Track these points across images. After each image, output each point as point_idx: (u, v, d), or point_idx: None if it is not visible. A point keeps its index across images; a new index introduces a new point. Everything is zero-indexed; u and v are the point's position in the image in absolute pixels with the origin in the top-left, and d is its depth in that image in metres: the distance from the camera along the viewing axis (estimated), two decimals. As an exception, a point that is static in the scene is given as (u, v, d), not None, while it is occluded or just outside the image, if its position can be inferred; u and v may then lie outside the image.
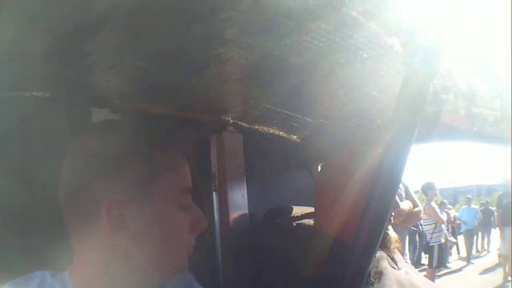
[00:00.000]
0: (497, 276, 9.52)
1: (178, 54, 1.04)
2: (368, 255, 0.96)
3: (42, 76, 1.07)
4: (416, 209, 3.85)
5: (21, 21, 0.83)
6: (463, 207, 14.27)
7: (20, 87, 1.13)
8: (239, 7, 0.86)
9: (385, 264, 1.39)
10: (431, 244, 8.15)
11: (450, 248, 11.58)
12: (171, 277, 1.03)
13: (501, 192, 10.21)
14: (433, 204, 7.91)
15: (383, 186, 0.92)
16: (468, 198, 14.94)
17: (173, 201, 0.94)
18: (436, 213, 7.82)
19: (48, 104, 1.16)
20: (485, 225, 14.44)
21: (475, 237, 14.27)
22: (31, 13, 0.80)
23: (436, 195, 8.26)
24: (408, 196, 3.84)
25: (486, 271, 10.71)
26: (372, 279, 1.30)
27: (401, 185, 3.63)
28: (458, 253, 13.33)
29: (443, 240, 8.36)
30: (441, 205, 12.27)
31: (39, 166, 1.03)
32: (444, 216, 9.20)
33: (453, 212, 13.07)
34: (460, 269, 11.46)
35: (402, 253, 4.50)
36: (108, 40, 0.94)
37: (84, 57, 1.01)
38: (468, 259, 12.53)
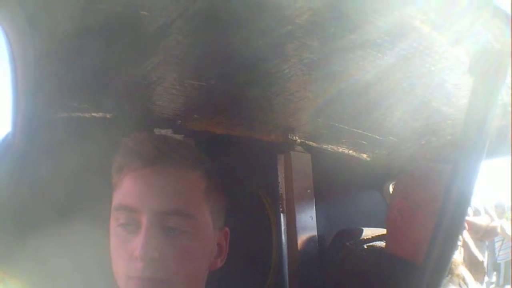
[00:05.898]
0: None
1: (240, 72, 1.05)
2: (438, 277, 0.91)
3: (102, 97, 1.10)
4: (493, 223, 3.84)
5: (80, 44, 0.86)
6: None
7: (79, 108, 1.16)
8: (299, 21, 0.85)
9: (455, 287, 1.32)
10: (498, 262, 7.87)
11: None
12: None
13: None
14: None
15: (453, 205, 0.87)
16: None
17: (113, 220, 0.84)
18: (504, 230, 7.55)
19: (109, 125, 1.19)
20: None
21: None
22: (90, 35, 0.83)
23: (504, 212, 7.99)
24: (485, 211, 3.82)
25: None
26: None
27: (478, 201, 3.65)
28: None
29: (510, 258, 8.04)
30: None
31: (96, 190, 1.03)
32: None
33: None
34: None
35: (483, 270, 4.37)
36: (167, 61, 0.96)
37: (143, 77, 1.03)
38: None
